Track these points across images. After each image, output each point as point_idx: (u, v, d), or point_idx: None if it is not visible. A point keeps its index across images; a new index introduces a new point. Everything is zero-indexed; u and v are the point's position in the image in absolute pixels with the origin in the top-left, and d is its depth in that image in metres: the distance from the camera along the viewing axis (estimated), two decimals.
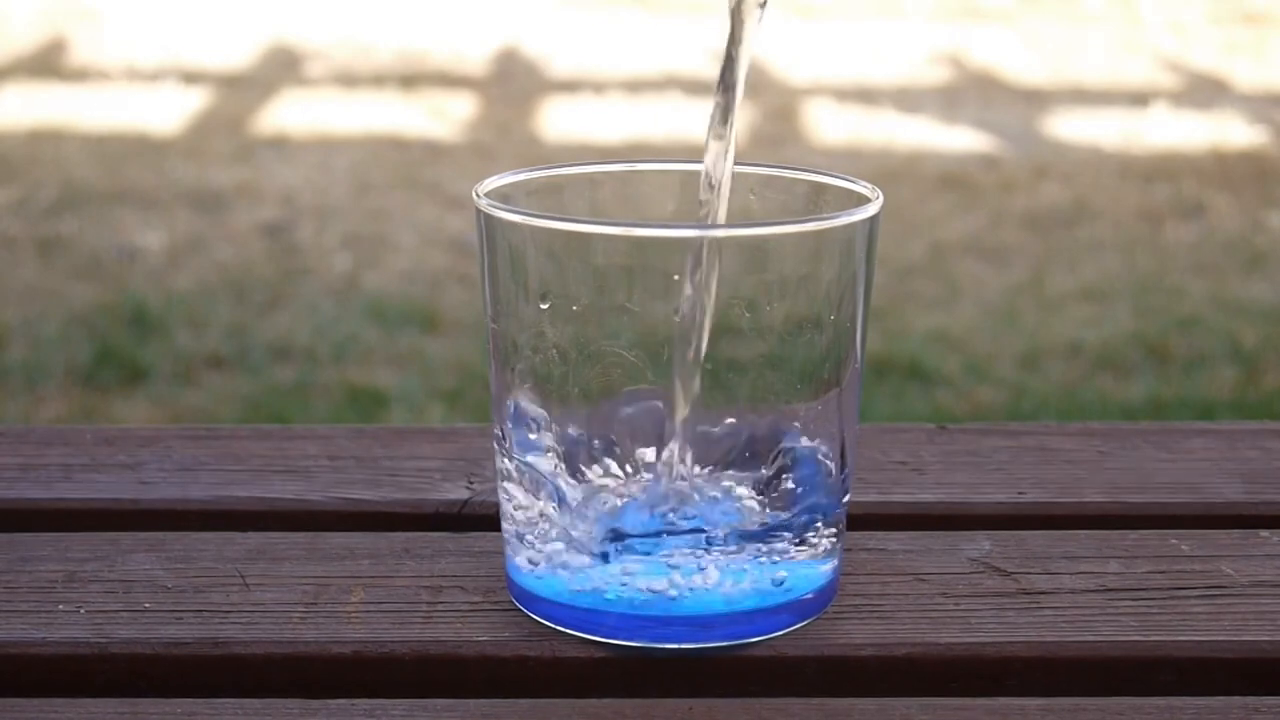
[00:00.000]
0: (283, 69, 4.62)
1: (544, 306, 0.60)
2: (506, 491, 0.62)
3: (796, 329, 0.61)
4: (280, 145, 3.84)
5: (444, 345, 2.60)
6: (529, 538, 0.61)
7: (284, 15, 5.23)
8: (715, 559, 0.59)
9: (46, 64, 4.64)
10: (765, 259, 0.60)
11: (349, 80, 4.48)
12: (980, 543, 0.68)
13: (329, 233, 3.19)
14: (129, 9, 5.28)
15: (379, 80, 4.48)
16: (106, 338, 2.59)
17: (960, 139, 3.97)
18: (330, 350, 2.56)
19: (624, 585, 0.60)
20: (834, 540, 0.62)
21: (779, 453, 0.61)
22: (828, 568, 0.62)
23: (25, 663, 0.60)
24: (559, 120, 4.14)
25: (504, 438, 0.62)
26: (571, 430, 0.60)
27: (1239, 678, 0.61)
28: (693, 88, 4.43)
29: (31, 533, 0.69)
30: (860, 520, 0.68)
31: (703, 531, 0.59)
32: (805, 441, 0.61)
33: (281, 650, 0.60)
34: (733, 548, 0.60)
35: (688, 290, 0.59)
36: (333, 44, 4.87)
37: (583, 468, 0.60)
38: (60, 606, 0.63)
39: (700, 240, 0.60)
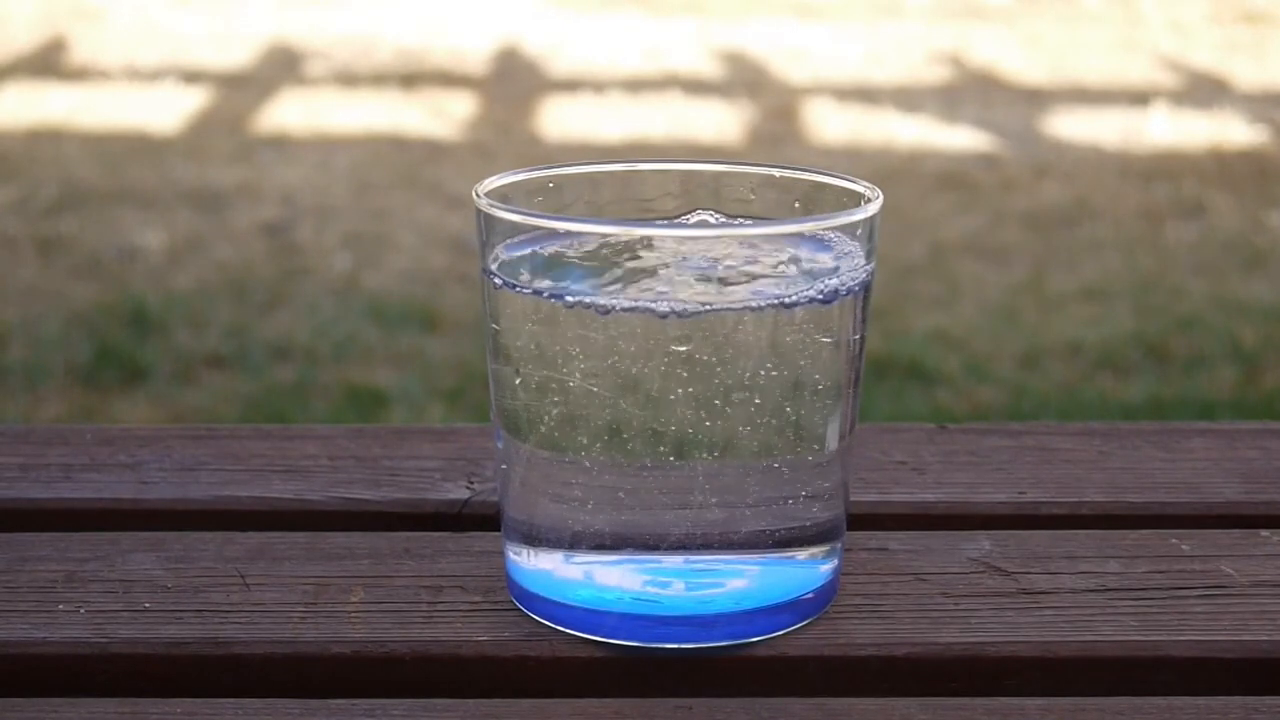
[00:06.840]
0: (283, 69, 4.61)
1: None
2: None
3: None
4: (280, 145, 3.84)
5: (444, 345, 2.60)
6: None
7: (284, 15, 5.23)
8: (716, 558, 0.59)
9: (46, 64, 4.64)
10: None
11: (349, 80, 4.48)
12: (980, 543, 0.68)
13: (329, 232, 3.19)
14: (129, 9, 5.27)
15: (379, 80, 4.48)
16: (106, 338, 2.59)
17: (960, 139, 3.97)
18: (330, 350, 2.56)
19: (624, 585, 0.60)
20: (834, 540, 0.62)
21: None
22: (828, 568, 0.62)
23: (25, 663, 0.60)
24: (559, 120, 4.13)
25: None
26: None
27: (1239, 678, 0.61)
28: (693, 88, 4.43)
29: (31, 533, 0.69)
30: (860, 520, 0.68)
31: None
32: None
33: (281, 650, 0.60)
34: (733, 547, 0.60)
35: None
36: (333, 43, 4.87)
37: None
38: (60, 606, 0.63)
39: (702, 239, 0.60)
